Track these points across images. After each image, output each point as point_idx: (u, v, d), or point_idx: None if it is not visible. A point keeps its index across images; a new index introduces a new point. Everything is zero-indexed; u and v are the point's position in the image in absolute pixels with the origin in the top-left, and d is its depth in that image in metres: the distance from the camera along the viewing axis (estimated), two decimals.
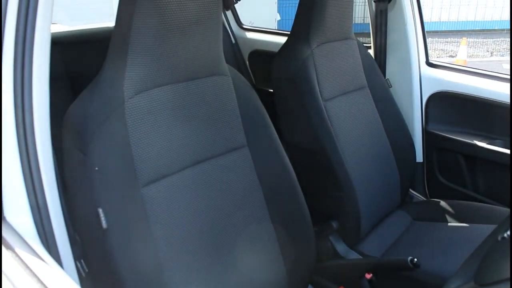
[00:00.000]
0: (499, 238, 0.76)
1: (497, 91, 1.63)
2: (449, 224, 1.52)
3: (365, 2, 7.85)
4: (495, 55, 8.87)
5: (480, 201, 1.71)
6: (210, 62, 1.05)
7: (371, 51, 1.87)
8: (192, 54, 0.99)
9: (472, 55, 8.54)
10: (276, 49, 1.54)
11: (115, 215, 0.85)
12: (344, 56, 1.58)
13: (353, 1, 1.55)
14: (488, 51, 9.10)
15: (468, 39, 8.54)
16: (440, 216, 1.59)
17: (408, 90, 1.84)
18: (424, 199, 1.88)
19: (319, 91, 1.46)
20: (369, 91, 1.67)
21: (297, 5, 1.49)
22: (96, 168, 0.84)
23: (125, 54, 0.92)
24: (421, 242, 1.44)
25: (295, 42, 1.48)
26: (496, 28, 10.90)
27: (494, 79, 1.68)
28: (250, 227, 1.09)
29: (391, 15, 1.81)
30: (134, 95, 0.92)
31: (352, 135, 1.53)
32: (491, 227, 1.40)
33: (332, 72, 1.51)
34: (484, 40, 9.98)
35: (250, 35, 2.50)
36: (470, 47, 8.84)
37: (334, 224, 1.47)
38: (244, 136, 1.14)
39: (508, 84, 1.63)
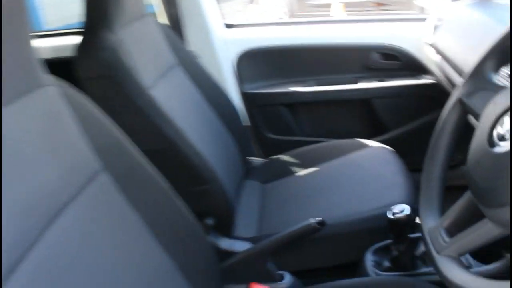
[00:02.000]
0: None
1: (300, 36, 1.68)
2: (298, 174, 1.53)
3: None
4: None
5: (310, 142, 1.77)
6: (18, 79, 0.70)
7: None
8: None
9: None
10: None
11: None
12: (148, 35, 1.40)
13: None
14: None
15: None
16: (286, 170, 1.59)
17: (214, 57, 1.75)
18: (262, 160, 1.86)
19: (140, 80, 1.24)
20: (182, 67, 1.52)
21: None
22: None
23: None
24: (287, 202, 1.40)
25: (95, 32, 1.21)
26: None
27: (296, 25, 1.73)
28: (142, 264, 0.86)
29: None
30: None
31: (188, 119, 1.37)
32: (340, 159, 1.47)
33: (144, 56, 1.31)
34: None
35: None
36: None
37: (210, 221, 1.31)
38: (97, 159, 0.85)
39: (310, 26, 1.70)
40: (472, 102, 0.75)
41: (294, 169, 1.55)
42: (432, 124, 1.77)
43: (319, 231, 1.14)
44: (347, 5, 5.51)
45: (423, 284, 0.91)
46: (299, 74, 1.79)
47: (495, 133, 0.61)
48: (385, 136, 1.82)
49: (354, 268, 1.21)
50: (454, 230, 0.69)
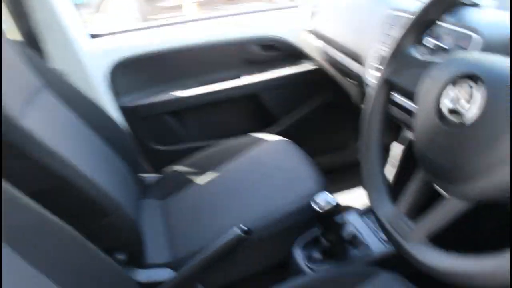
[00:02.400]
0: None
1: (172, 38, 1.59)
2: (198, 182, 1.44)
3: None
4: None
5: (203, 147, 1.69)
6: None
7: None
8: None
9: None
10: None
11: None
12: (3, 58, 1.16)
13: None
14: None
15: None
16: (184, 181, 1.49)
17: (84, 72, 1.57)
18: (155, 175, 1.73)
19: (4, 111, 1.03)
20: (50, 89, 1.31)
21: None
22: None
23: None
24: (195, 214, 1.30)
25: None
26: None
27: (165, 27, 1.62)
28: None
29: None
30: None
31: (70, 147, 1.19)
32: (239, 158, 1.41)
33: (3, 82, 1.09)
34: None
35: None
36: None
37: (121, 256, 1.15)
38: None
39: (181, 26, 1.61)
40: (401, 81, 0.73)
41: (193, 178, 1.45)
42: (319, 108, 1.84)
43: (246, 240, 1.08)
44: (200, 4, 5.48)
45: (382, 273, 0.90)
46: (179, 78, 1.69)
47: (443, 108, 0.60)
48: (278, 127, 1.81)
49: (286, 267, 1.16)
50: (415, 213, 0.67)
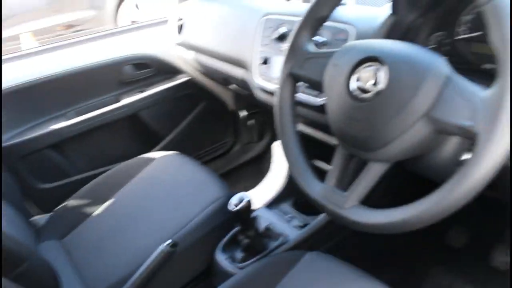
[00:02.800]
0: None
1: (39, 68, 1.50)
2: (97, 212, 1.37)
3: None
4: None
5: (93, 176, 1.61)
6: None
7: None
8: None
9: None
10: None
11: None
12: None
13: None
14: None
15: None
16: (81, 215, 1.40)
17: None
18: (47, 215, 1.59)
19: None
20: None
21: None
22: None
23: None
24: (102, 244, 1.24)
25: None
26: None
27: (28, 57, 1.51)
28: None
29: None
30: None
31: None
32: (135, 180, 1.37)
33: None
34: None
35: None
36: None
37: None
38: None
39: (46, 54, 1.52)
40: (304, 72, 0.82)
41: (89, 210, 1.38)
42: (199, 117, 1.88)
43: (174, 254, 1.07)
44: (36, 33, 5.08)
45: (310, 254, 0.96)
46: (54, 109, 1.58)
47: (353, 88, 0.69)
48: (164, 143, 1.80)
49: (211, 272, 1.18)
50: (344, 184, 0.76)
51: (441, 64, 0.64)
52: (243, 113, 1.99)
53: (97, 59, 1.61)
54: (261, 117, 2.02)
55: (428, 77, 0.62)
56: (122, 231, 1.21)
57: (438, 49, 0.98)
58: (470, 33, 0.93)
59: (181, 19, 1.63)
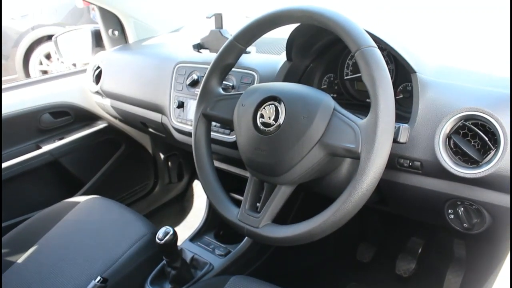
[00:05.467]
0: None
1: None
2: (19, 261, 1.35)
3: None
4: None
5: (15, 224, 1.59)
6: None
7: None
8: None
9: None
10: None
11: None
12: None
13: None
14: None
15: None
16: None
17: None
18: None
19: None
20: None
21: None
22: None
23: None
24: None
25: None
26: None
27: None
28: None
29: None
30: None
31: None
32: (59, 226, 1.39)
33: None
34: None
35: None
36: None
37: None
38: None
39: None
40: (216, 112, 0.93)
41: (13, 257, 1.35)
42: (119, 161, 1.92)
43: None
44: None
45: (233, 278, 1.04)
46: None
47: (259, 123, 0.82)
48: (87, 187, 1.82)
49: None
50: (256, 207, 0.87)
51: (328, 100, 0.79)
52: (162, 155, 2.07)
53: (15, 108, 1.63)
54: (179, 159, 2.11)
55: (318, 110, 0.77)
56: (50, 275, 1.21)
57: (330, 88, 1.16)
58: (353, 74, 1.12)
59: (98, 67, 1.69)
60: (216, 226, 1.51)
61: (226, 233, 1.49)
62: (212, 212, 1.53)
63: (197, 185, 2.15)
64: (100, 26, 1.77)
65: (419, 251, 1.59)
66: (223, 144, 1.19)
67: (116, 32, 1.77)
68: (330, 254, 1.67)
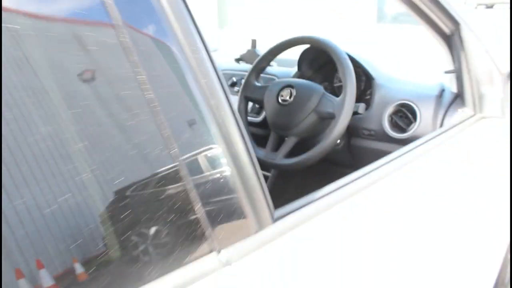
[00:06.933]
0: None
1: None
2: None
3: None
4: None
5: None
6: None
7: None
8: None
9: None
10: None
11: None
12: None
13: None
14: None
15: None
16: None
17: None
18: None
19: None
20: None
21: None
22: None
23: None
24: None
25: None
26: None
27: None
28: None
29: None
30: None
31: None
32: None
33: None
34: None
35: None
36: None
37: None
38: None
39: None
40: (254, 95, 1.51)
41: None
42: None
43: None
44: None
45: None
46: None
47: (280, 100, 1.39)
48: None
49: None
50: (275, 150, 1.43)
51: (320, 88, 1.36)
52: None
53: None
54: None
55: (314, 93, 1.34)
56: None
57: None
58: (339, 83, 1.71)
59: None
60: None
61: None
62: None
63: None
64: None
65: None
66: (252, 125, 1.75)
67: None
68: None
